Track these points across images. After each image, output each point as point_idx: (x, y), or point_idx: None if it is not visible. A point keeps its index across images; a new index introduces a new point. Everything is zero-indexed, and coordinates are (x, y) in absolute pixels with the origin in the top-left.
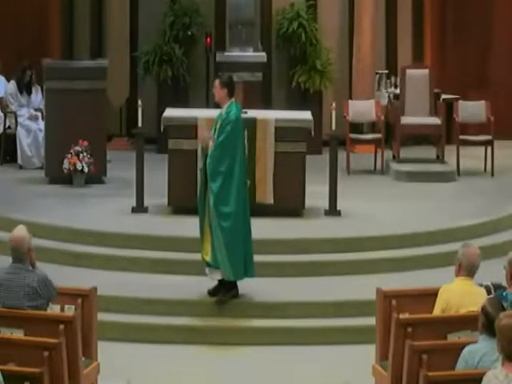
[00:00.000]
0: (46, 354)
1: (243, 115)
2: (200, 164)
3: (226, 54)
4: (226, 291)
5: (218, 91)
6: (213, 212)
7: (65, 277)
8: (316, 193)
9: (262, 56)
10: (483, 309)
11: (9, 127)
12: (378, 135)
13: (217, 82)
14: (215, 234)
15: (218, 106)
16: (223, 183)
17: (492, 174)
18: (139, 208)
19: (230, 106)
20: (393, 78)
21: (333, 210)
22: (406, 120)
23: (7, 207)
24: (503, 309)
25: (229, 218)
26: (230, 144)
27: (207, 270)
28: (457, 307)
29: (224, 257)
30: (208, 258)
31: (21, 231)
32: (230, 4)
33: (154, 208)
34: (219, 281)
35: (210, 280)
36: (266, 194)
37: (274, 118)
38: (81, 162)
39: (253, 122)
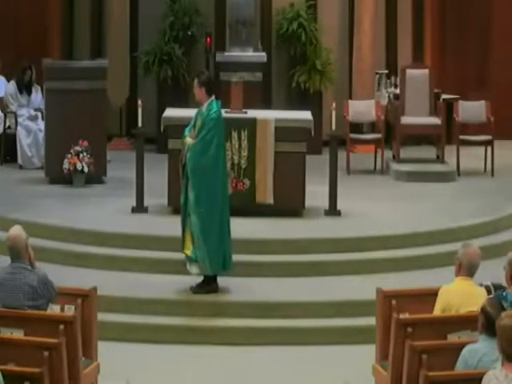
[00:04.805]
0: (46, 354)
1: (244, 115)
2: (183, 160)
3: (226, 54)
4: (203, 284)
5: (197, 91)
6: (193, 207)
7: (65, 277)
8: (316, 193)
9: (261, 56)
10: (483, 309)
11: (9, 127)
12: (378, 135)
13: (195, 82)
14: (195, 228)
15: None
16: (205, 178)
17: (492, 174)
18: (139, 208)
19: (211, 104)
20: (393, 78)
21: (333, 210)
22: (405, 120)
23: (7, 207)
24: (503, 309)
25: (210, 212)
26: (212, 140)
27: (187, 264)
28: (457, 307)
29: (203, 251)
30: (189, 253)
31: (16, 230)
32: (230, 4)
33: (154, 208)
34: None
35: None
36: (265, 194)
37: (274, 118)
38: (81, 162)
39: (253, 122)
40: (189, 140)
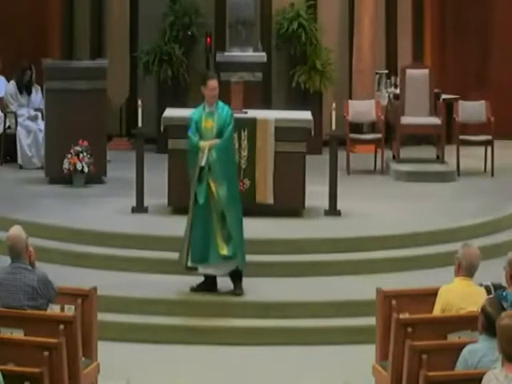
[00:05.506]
0: (46, 354)
1: (244, 115)
2: (202, 162)
3: (226, 54)
4: (238, 283)
5: (217, 90)
6: (228, 203)
7: (65, 277)
8: (316, 193)
9: (261, 56)
10: (483, 309)
11: (9, 127)
12: (378, 135)
13: (214, 81)
14: (232, 223)
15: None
16: (235, 174)
17: (492, 174)
18: (139, 208)
19: (218, 103)
20: (393, 78)
21: (333, 210)
22: (406, 120)
23: (7, 207)
24: (503, 309)
25: (239, 206)
26: (233, 135)
27: (213, 266)
28: (457, 307)
29: (240, 246)
30: (225, 252)
31: (16, 230)
32: (230, 4)
33: (154, 208)
34: (205, 276)
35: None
36: (265, 194)
37: (274, 118)
38: (81, 161)
39: (253, 122)
40: (206, 143)
